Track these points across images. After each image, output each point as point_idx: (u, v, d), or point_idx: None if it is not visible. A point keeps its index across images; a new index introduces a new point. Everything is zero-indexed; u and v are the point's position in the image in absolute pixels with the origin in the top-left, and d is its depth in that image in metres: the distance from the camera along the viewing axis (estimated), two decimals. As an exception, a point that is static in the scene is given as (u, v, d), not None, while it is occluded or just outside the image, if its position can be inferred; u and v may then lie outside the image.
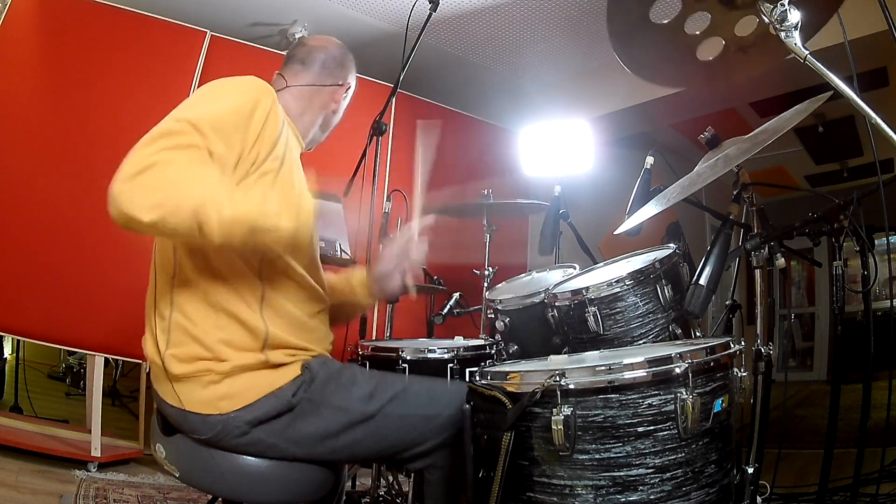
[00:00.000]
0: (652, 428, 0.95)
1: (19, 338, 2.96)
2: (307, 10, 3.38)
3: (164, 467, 1.23)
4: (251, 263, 1.14)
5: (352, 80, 1.47)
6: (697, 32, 1.27)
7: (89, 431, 2.54)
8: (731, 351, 1.06)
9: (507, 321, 1.75)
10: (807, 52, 0.99)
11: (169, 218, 0.94)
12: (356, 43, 3.64)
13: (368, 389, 1.20)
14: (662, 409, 0.96)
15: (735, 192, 1.45)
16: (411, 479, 1.67)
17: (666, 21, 1.24)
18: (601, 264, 1.75)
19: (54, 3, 2.66)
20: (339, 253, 2.52)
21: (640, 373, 0.96)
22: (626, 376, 0.96)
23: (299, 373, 1.15)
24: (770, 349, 1.35)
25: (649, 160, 1.71)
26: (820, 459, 1.68)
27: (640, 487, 0.94)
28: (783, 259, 1.37)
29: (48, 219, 2.52)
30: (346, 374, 1.21)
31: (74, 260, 2.54)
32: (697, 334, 1.48)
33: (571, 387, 0.97)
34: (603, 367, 0.99)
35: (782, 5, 1.00)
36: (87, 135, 2.63)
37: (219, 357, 1.09)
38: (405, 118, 3.65)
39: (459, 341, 1.81)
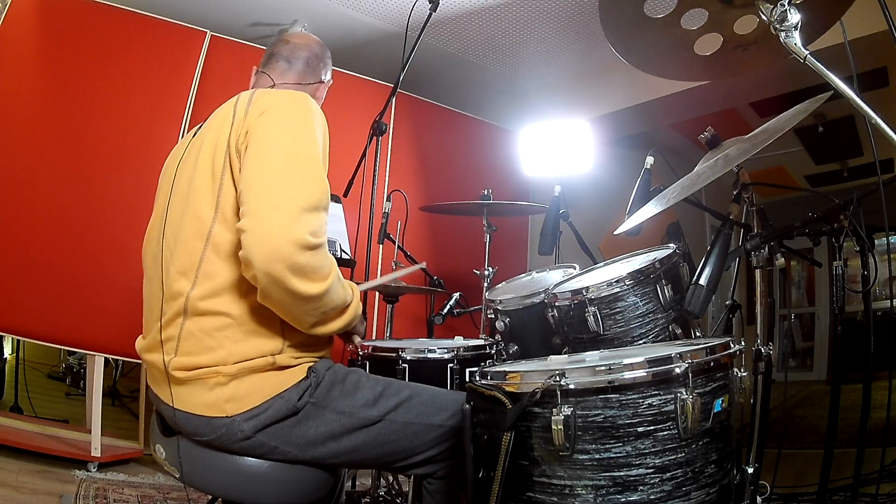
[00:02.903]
0: (652, 428, 0.95)
1: (19, 338, 2.96)
2: (307, 10, 3.38)
3: (164, 468, 1.23)
4: None
5: (330, 77, 1.49)
6: (694, 28, 1.27)
7: (89, 431, 2.54)
8: (731, 351, 1.06)
9: (507, 321, 1.75)
10: (807, 53, 0.99)
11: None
12: (356, 43, 3.65)
13: (373, 395, 1.20)
14: (662, 409, 0.96)
15: (735, 192, 1.45)
16: (411, 480, 1.67)
17: (661, 16, 1.25)
18: (601, 264, 1.75)
19: (54, 3, 2.66)
20: (338, 253, 2.52)
21: (640, 373, 0.96)
22: (626, 376, 0.96)
23: (304, 375, 1.15)
24: (770, 349, 1.35)
25: (649, 160, 1.71)
26: (820, 459, 1.68)
27: (640, 487, 0.94)
28: (783, 259, 1.37)
29: (48, 219, 2.52)
30: (350, 379, 1.21)
31: (74, 260, 2.54)
32: (697, 334, 1.48)
33: (571, 387, 0.97)
34: (603, 367, 0.99)
35: (782, 5, 1.00)
36: (87, 135, 2.63)
37: (226, 361, 1.09)
38: (405, 118, 3.65)
39: (459, 341, 1.81)
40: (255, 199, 1.04)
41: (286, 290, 1.02)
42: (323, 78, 1.47)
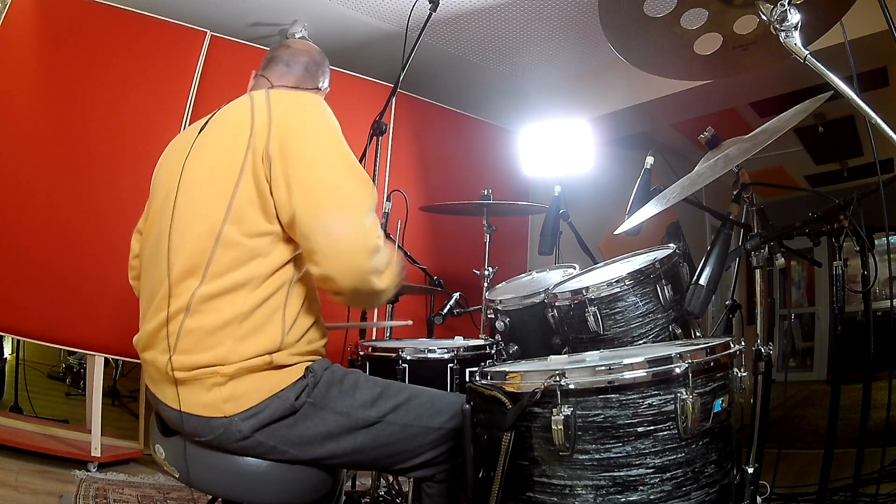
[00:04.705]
0: (652, 428, 0.95)
1: (19, 338, 2.96)
2: (307, 10, 3.38)
3: (164, 468, 1.23)
4: (287, 272, 1.15)
5: (328, 85, 1.51)
6: (694, 28, 1.27)
7: (89, 431, 2.54)
8: (731, 351, 1.07)
9: (507, 321, 1.75)
10: (807, 53, 0.99)
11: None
12: (356, 43, 3.65)
13: (371, 396, 1.20)
14: (662, 409, 0.96)
15: (735, 192, 1.45)
16: (411, 480, 1.67)
17: (660, 15, 1.25)
18: (601, 264, 1.75)
19: (54, 3, 2.66)
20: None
21: (640, 373, 0.96)
22: (626, 376, 0.96)
23: (302, 375, 1.15)
24: (770, 349, 1.35)
25: (649, 160, 1.71)
26: (820, 459, 1.68)
27: (640, 487, 0.94)
28: (783, 259, 1.37)
29: (48, 219, 2.52)
30: (349, 380, 1.21)
31: (74, 260, 2.54)
32: (697, 334, 1.48)
33: (571, 387, 0.97)
34: (603, 367, 0.99)
35: (782, 5, 1.00)
36: (87, 135, 2.63)
37: (226, 361, 1.09)
38: (405, 118, 3.65)
39: (459, 341, 1.81)
40: (324, 232, 1.09)
41: (370, 293, 1.14)
42: (320, 85, 1.47)
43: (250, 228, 1.11)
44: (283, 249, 1.14)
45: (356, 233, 1.09)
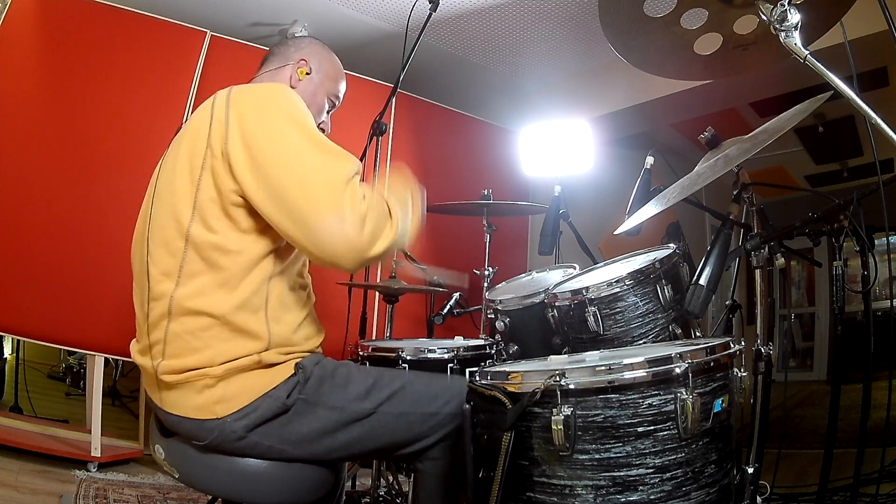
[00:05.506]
0: (652, 428, 0.95)
1: (19, 338, 2.96)
2: (307, 10, 3.38)
3: (164, 468, 1.23)
4: (264, 269, 1.14)
5: (303, 55, 1.42)
6: (694, 28, 1.27)
7: (89, 431, 2.54)
8: (731, 351, 1.06)
9: (507, 321, 1.75)
10: (807, 53, 0.99)
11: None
12: (356, 43, 3.65)
13: (364, 387, 1.20)
14: (662, 409, 0.96)
15: (735, 192, 1.45)
16: (411, 480, 1.67)
17: (661, 15, 1.25)
18: (601, 264, 1.75)
19: (54, 3, 2.66)
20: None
21: (640, 373, 0.96)
22: (626, 376, 0.96)
23: (292, 372, 1.15)
24: (770, 349, 1.35)
25: (649, 160, 1.71)
26: (820, 459, 1.68)
27: (640, 487, 0.94)
28: (783, 259, 1.37)
29: (48, 219, 2.52)
30: (340, 373, 1.20)
31: (74, 260, 2.54)
32: (697, 334, 1.48)
33: (571, 387, 0.97)
34: (603, 367, 0.99)
35: (782, 5, 1.00)
36: (87, 135, 2.63)
37: (214, 362, 1.09)
38: (405, 118, 3.65)
39: (459, 341, 1.81)
40: (308, 239, 1.06)
41: (378, 259, 1.11)
42: (292, 58, 1.41)
43: (215, 226, 1.10)
44: (256, 246, 1.13)
45: (336, 230, 1.05)
